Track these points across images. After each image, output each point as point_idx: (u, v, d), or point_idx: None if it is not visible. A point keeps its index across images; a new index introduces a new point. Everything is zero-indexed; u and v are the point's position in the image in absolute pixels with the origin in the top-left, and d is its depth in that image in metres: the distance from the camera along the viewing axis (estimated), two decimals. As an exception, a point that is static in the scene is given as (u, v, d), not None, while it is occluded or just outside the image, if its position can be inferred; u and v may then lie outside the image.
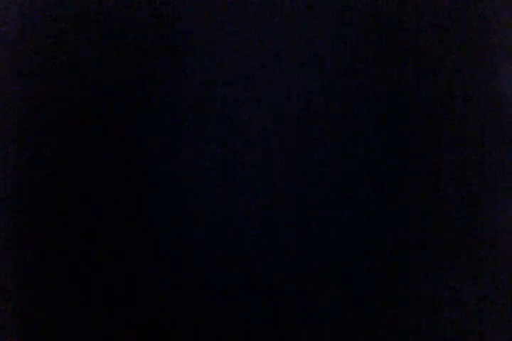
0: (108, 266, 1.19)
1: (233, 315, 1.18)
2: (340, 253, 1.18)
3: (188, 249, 1.19)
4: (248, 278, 1.18)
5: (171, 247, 1.19)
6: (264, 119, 1.20)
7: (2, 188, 1.23)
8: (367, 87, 1.20)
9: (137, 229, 1.19)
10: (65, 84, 1.22)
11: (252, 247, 1.18)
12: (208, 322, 1.18)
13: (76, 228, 1.20)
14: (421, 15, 1.21)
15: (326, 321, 1.18)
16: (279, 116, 1.19)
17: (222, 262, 1.18)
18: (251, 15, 1.21)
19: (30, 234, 1.21)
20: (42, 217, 1.21)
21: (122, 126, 1.20)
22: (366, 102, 1.20)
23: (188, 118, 1.20)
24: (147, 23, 1.21)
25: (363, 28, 1.21)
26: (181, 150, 1.20)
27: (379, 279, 1.18)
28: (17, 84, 1.23)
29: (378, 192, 1.19)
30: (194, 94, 1.20)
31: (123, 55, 1.21)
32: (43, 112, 1.22)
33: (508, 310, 1.19)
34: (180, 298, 1.18)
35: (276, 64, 1.20)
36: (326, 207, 1.18)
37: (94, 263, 1.19)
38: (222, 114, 1.20)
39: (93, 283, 1.19)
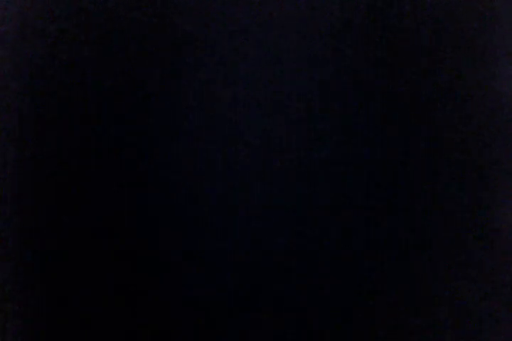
0: (108, 265, 1.19)
1: (233, 315, 1.18)
2: (340, 253, 1.18)
3: (188, 249, 1.19)
4: (248, 278, 1.18)
5: (171, 247, 1.19)
6: (264, 119, 1.20)
7: (2, 188, 1.23)
8: (367, 87, 1.20)
9: (137, 229, 1.19)
10: (65, 84, 1.22)
11: (251, 247, 1.18)
12: (208, 322, 1.18)
13: (76, 228, 1.20)
14: (421, 15, 1.21)
15: (326, 321, 1.18)
16: (279, 116, 1.19)
17: (222, 262, 1.18)
18: (251, 15, 1.21)
19: (30, 233, 1.21)
20: (42, 217, 1.21)
21: (122, 125, 1.20)
22: (366, 102, 1.20)
23: (188, 117, 1.20)
24: (147, 23, 1.21)
25: (363, 28, 1.21)
26: (181, 150, 1.20)
27: (379, 279, 1.18)
28: (17, 84, 1.23)
29: (378, 192, 1.19)
30: (194, 94, 1.20)
31: (123, 55, 1.21)
32: (43, 112, 1.22)
33: (508, 310, 1.20)
34: (180, 298, 1.18)
35: (276, 64, 1.20)
36: (326, 206, 1.18)
37: (95, 263, 1.19)
38: (222, 113, 1.20)
39: (93, 282, 1.19)
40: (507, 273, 1.20)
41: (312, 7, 1.21)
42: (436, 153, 1.20)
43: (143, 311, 1.19)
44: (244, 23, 1.21)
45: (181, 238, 1.19)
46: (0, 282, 1.22)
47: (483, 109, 1.21)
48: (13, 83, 1.24)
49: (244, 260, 1.18)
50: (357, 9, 1.21)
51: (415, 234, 1.19)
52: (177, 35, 1.21)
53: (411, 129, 1.20)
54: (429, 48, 1.21)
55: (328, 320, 1.18)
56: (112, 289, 1.19)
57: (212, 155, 1.20)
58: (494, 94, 1.22)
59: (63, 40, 1.23)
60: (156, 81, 1.20)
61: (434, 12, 1.22)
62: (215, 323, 1.18)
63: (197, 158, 1.20)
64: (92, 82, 1.21)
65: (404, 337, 1.18)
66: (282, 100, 1.20)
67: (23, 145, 1.22)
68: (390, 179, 1.19)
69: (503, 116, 1.22)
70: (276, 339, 1.18)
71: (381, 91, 1.20)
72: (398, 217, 1.19)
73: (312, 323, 1.18)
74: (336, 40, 1.20)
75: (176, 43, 1.21)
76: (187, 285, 1.18)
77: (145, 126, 1.20)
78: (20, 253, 1.21)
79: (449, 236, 1.19)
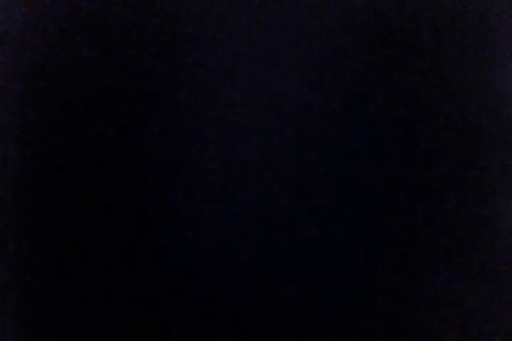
0: (108, 265, 1.19)
1: (233, 314, 1.18)
2: (340, 252, 1.18)
3: (188, 249, 1.19)
4: (248, 278, 1.18)
5: (171, 247, 1.19)
6: (264, 119, 1.20)
7: (2, 188, 1.23)
8: (367, 87, 1.20)
9: (137, 229, 1.19)
10: (65, 84, 1.22)
11: (251, 247, 1.18)
12: (208, 322, 1.18)
13: (76, 227, 1.20)
14: (421, 15, 1.21)
15: (326, 320, 1.18)
16: (279, 116, 1.19)
17: (221, 262, 1.18)
18: (251, 15, 1.21)
19: (30, 233, 1.21)
20: (42, 217, 1.21)
21: (122, 125, 1.20)
22: (366, 102, 1.20)
23: (187, 117, 1.20)
24: (147, 23, 1.21)
25: (363, 28, 1.21)
26: (181, 150, 1.20)
27: (379, 279, 1.18)
28: (17, 84, 1.23)
29: (378, 192, 1.19)
30: (194, 94, 1.20)
31: (123, 55, 1.21)
32: (43, 112, 1.22)
33: (508, 310, 1.20)
34: (181, 298, 1.18)
35: (276, 64, 1.20)
36: (325, 206, 1.18)
37: (95, 263, 1.19)
38: (222, 114, 1.20)
39: (93, 282, 1.19)
40: (507, 273, 1.20)
41: (312, 7, 1.21)
42: (436, 153, 1.20)
43: (143, 311, 1.19)
44: (244, 23, 1.21)
45: (181, 238, 1.19)
46: (0, 282, 1.22)
47: (483, 109, 1.21)
48: (13, 83, 1.23)
49: (244, 260, 1.18)
50: (357, 9, 1.21)
51: (415, 234, 1.19)
52: (177, 35, 1.21)
53: (411, 129, 1.20)
54: (430, 48, 1.21)
55: (328, 320, 1.18)
56: (112, 289, 1.19)
57: (212, 155, 1.19)
58: (494, 94, 1.22)
59: (63, 40, 1.23)
60: (156, 81, 1.20)
61: (435, 12, 1.22)
62: (215, 323, 1.18)
63: (197, 157, 1.20)
64: (92, 82, 1.21)
65: (404, 337, 1.18)
66: (282, 100, 1.20)
67: (23, 145, 1.22)
68: (390, 179, 1.19)
69: (503, 116, 1.22)
70: (276, 339, 1.18)
71: (381, 91, 1.20)
72: (398, 217, 1.19)
73: (312, 323, 1.18)
74: (336, 40, 1.20)
75: (176, 43, 1.21)
76: (187, 285, 1.18)
77: (145, 126, 1.20)
78: (20, 253, 1.21)
79: (449, 236, 1.19)
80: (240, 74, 1.20)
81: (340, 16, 1.21)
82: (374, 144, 1.19)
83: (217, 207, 1.19)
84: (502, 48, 1.23)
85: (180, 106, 1.20)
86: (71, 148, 1.21)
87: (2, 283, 1.21)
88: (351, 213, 1.18)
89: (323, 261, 1.18)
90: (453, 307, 1.19)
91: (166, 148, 1.20)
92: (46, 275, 1.20)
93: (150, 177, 1.19)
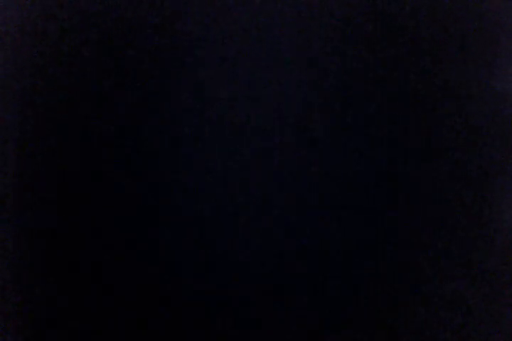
0: (108, 265, 1.19)
1: (232, 314, 1.18)
2: (340, 253, 1.18)
3: (188, 249, 1.19)
4: (247, 278, 1.18)
5: (171, 247, 1.19)
6: (264, 119, 1.20)
7: (2, 188, 1.23)
8: (367, 87, 1.20)
9: (138, 229, 1.19)
10: (65, 84, 1.22)
11: (251, 247, 1.18)
12: (208, 322, 1.18)
13: (76, 227, 1.20)
14: (421, 15, 1.21)
15: (326, 321, 1.18)
16: (279, 116, 1.19)
17: (221, 262, 1.18)
18: (251, 15, 1.21)
19: (30, 233, 1.21)
20: (42, 217, 1.21)
21: (122, 125, 1.20)
22: (366, 102, 1.20)
23: (187, 117, 1.20)
24: (147, 22, 1.21)
25: (363, 28, 1.21)
26: (181, 150, 1.20)
27: (379, 279, 1.18)
28: (17, 84, 1.23)
29: (378, 192, 1.19)
30: (194, 94, 1.20)
31: (123, 55, 1.21)
32: (42, 112, 1.22)
33: (508, 310, 1.20)
34: (180, 299, 1.18)
35: (276, 64, 1.20)
36: (325, 207, 1.18)
37: (95, 263, 1.19)
38: (222, 114, 1.20)
39: (93, 283, 1.19)
40: (507, 273, 1.20)
41: (312, 7, 1.21)
42: (436, 153, 1.20)
43: (144, 312, 1.18)
44: (244, 22, 1.21)
45: (181, 238, 1.19)
46: (0, 282, 1.22)
47: (483, 109, 1.21)
48: (13, 83, 1.23)
49: (244, 260, 1.18)
50: (357, 9, 1.21)
51: (415, 234, 1.19)
52: (177, 35, 1.21)
53: (411, 129, 1.20)
54: (429, 48, 1.21)
55: (328, 320, 1.18)
56: (112, 289, 1.19)
57: (211, 155, 1.19)
58: (494, 94, 1.22)
59: (63, 40, 1.22)
60: (156, 81, 1.20)
61: (434, 12, 1.22)
62: (215, 323, 1.18)
63: (196, 157, 1.20)
64: (92, 82, 1.21)
65: (404, 337, 1.18)
66: (282, 100, 1.20)
67: (23, 145, 1.22)
68: (389, 179, 1.19)
69: (503, 116, 1.22)
70: (276, 339, 1.18)
71: (381, 91, 1.20)
72: (398, 217, 1.19)
73: (312, 323, 1.18)
74: (336, 40, 1.20)
75: (176, 43, 1.21)
76: (187, 285, 1.18)
77: (145, 126, 1.20)
78: (20, 253, 1.21)
79: (449, 236, 1.19)
80: (240, 74, 1.20)
81: (340, 16, 1.21)
82: (374, 144, 1.19)
83: (216, 207, 1.19)
84: (502, 48, 1.23)
85: (180, 106, 1.20)
86: (71, 148, 1.21)
87: (2, 283, 1.21)
88: (351, 213, 1.18)
89: (323, 261, 1.18)
90: (453, 307, 1.18)
91: (166, 148, 1.20)
92: (46, 275, 1.20)
93: (150, 177, 1.19)
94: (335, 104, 1.20)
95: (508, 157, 1.21)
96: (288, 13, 1.21)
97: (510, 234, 1.21)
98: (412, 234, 1.18)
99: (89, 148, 1.21)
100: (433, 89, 1.20)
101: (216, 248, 1.19)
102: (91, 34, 1.22)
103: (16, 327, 1.21)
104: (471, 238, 1.19)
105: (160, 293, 1.18)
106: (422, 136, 1.20)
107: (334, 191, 1.19)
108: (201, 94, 1.20)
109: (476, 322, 1.19)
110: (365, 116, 1.19)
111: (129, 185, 1.20)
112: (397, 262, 1.18)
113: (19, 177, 1.22)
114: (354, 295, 1.18)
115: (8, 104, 1.24)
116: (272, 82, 1.20)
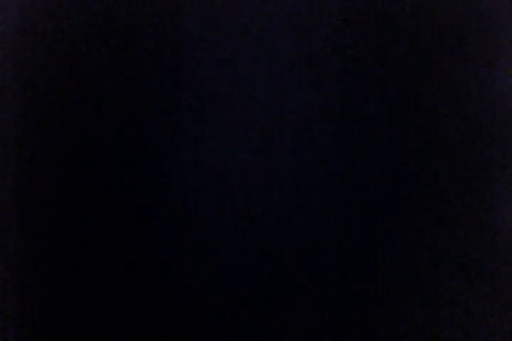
0: (108, 266, 1.19)
1: (233, 314, 1.18)
2: (340, 253, 1.18)
3: (187, 249, 1.19)
4: (247, 278, 1.18)
5: (171, 247, 1.19)
6: (264, 119, 1.20)
7: (2, 188, 1.23)
8: (367, 87, 1.20)
9: (138, 229, 1.19)
10: (65, 84, 1.22)
11: (251, 247, 1.18)
12: (208, 322, 1.18)
13: (77, 228, 1.20)
14: (421, 15, 1.21)
15: (325, 321, 1.18)
16: (279, 115, 1.19)
17: (221, 262, 1.18)
18: (251, 15, 1.21)
19: (30, 234, 1.21)
20: (42, 217, 1.21)
21: (122, 125, 1.20)
22: (366, 102, 1.20)
23: (187, 117, 1.20)
24: (147, 22, 1.21)
25: (363, 28, 1.21)
26: (181, 150, 1.20)
27: (379, 279, 1.18)
28: (17, 84, 1.23)
29: (378, 192, 1.19)
30: (194, 94, 1.20)
31: (123, 55, 1.21)
32: (43, 112, 1.22)
33: (508, 310, 1.19)
34: (180, 298, 1.18)
35: (276, 64, 1.20)
36: (325, 206, 1.18)
37: (95, 263, 1.19)
38: (222, 114, 1.20)
39: (93, 283, 1.19)
40: (507, 273, 1.20)
41: (312, 7, 1.21)
42: (436, 152, 1.20)
43: (144, 312, 1.18)
44: (244, 22, 1.21)
45: (181, 238, 1.19)
46: (0, 282, 1.22)
47: (483, 109, 1.21)
48: (13, 83, 1.23)
49: (244, 260, 1.18)
50: (357, 9, 1.21)
51: (415, 234, 1.19)
52: (177, 34, 1.21)
53: (411, 129, 1.20)
54: (429, 48, 1.21)
55: (328, 320, 1.18)
56: (112, 289, 1.19)
57: (211, 155, 1.19)
58: (494, 94, 1.22)
59: (63, 40, 1.22)
60: (157, 81, 1.20)
61: (434, 12, 1.22)
62: (215, 323, 1.18)
63: (196, 157, 1.20)
64: (92, 82, 1.21)
65: (404, 337, 1.18)
66: (282, 100, 1.20)
67: (23, 145, 1.22)
68: (389, 179, 1.19)
69: (503, 116, 1.22)
70: (276, 339, 1.18)
71: (381, 91, 1.20)
72: (398, 217, 1.19)
73: (312, 323, 1.18)
74: (336, 40, 1.20)
75: (176, 43, 1.21)
76: (186, 285, 1.18)
77: (145, 126, 1.20)
78: (20, 253, 1.21)
79: (449, 236, 1.19)
80: (240, 74, 1.20)
81: (340, 16, 1.21)
82: (374, 144, 1.19)
83: (216, 207, 1.19)
84: (502, 48, 1.23)
85: (180, 106, 1.20)
86: (71, 148, 1.21)
87: (2, 283, 1.21)
88: (351, 213, 1.18)
89: (323, 260, 1.18)
90: (453, 307, 1.18)
91: (166, 148, 1.20)
92: (46, 275, 1.20)
93: (150, 178, 1.19)
94: (335, 103, 1.20)
95: (508, 157, 1.21)
96: (288, 13, 1.21)
97: (510, 234, 1.21)
98: (412, 234, 1.18)
99: (89, 148, 1.21)
100: (433, 89, 1.20)
101: (216, 248, 1.19)
102: (91, 34, 1.22)
103: (16, 327, 1.21)
104: (471, 238, 1.19)
105: (160, 293, 1.18)
106: (422, 136, 1.20)
107: (334, 191, 1.19)
108: (201, 94, 1.20)
109: (476, 322, 1.19)
110: (365, 115, 1.19)
111: (129, 185, 1.20)
112: (397, 262, 1.18)
113: (19, 178, 1.22)
114: (354, 295, 1.18)
115: (8, 104, 1.24)
116: (272, 81, 1.20)
